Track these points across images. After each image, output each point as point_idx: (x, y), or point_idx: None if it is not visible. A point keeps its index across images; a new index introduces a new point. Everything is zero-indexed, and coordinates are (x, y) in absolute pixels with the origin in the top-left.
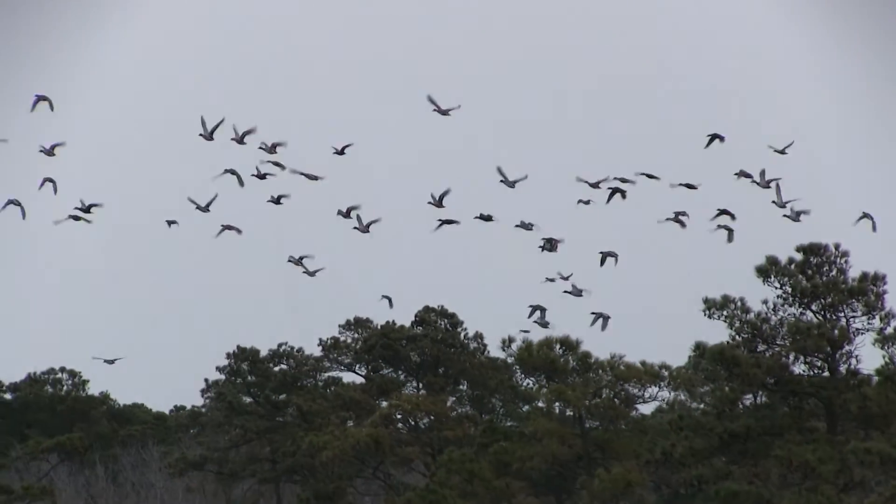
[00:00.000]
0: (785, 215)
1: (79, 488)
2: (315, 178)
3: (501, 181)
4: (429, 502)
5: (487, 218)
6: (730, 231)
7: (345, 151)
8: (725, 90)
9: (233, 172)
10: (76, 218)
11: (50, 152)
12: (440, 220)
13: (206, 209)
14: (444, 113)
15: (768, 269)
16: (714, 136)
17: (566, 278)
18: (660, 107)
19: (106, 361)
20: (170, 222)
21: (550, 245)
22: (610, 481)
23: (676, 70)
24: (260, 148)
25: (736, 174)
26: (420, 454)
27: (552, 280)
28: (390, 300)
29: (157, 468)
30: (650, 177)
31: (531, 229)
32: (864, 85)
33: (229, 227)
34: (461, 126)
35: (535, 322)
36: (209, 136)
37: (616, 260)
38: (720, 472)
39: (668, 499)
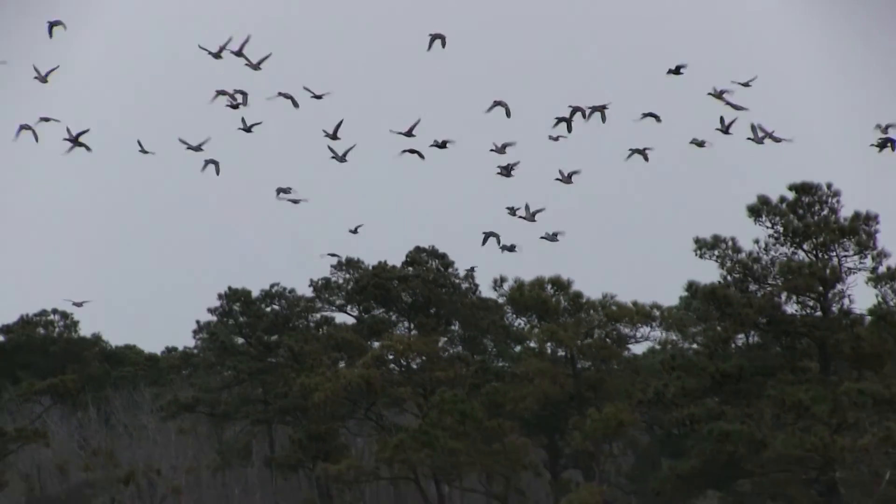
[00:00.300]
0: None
1: (71, 430)
2: (320, 96)
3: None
4: (421, 443)
5: (441, 145)
6: (655, 117)
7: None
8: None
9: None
10: (73, 142)
11: (44, 79)
12: (405, 149)
13: (197, 149)
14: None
15: (760, 209)
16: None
17: (530, 213)
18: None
19: (74, 304)
20: (143, 150)
21: (506, 170)
22: (602, 421)
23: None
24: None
25: (710, 93)
26: (412, 395)
27: (512, 212)
28: (356, 229)
29: (149, 410)
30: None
31: (504, 152)
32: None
33: (211, 162)
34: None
35: (502, 248)
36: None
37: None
38: (712, 412)
39: (661, 439)
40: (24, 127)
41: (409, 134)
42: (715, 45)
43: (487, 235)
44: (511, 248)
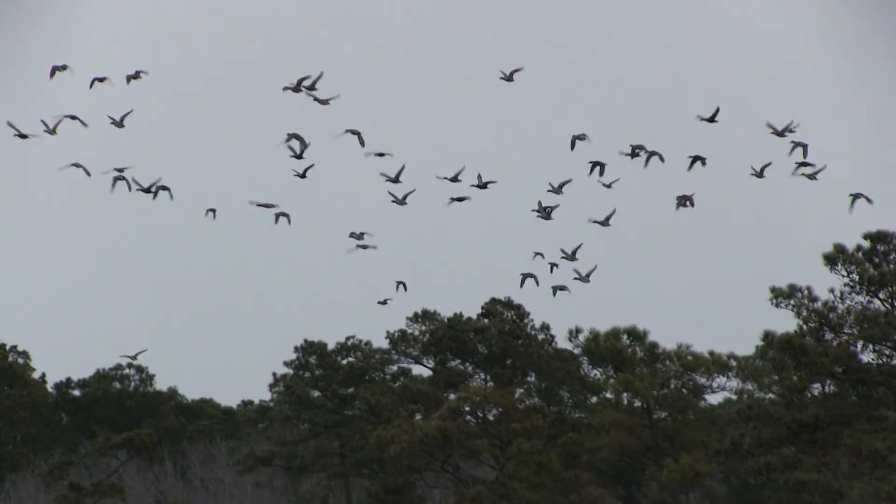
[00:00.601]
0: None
1: (148, 484)
2: (326, 101)
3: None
4: (498, 495)
5: (483, 186)
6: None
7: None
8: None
9: (296, 137)
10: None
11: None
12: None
13: (268, 206)
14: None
15: (835, 258)
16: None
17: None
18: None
19: (129, 357)
20: (210, 210)
21: (545, 213)
22: (679, 471)
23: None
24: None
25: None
26: (489, 446)
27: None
28: (404, 285)
29: (226, 463)
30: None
31: (549, 217)
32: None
33: (282, 214)
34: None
35: (553, 290)
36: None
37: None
38: (789, 462)
39: (737, 489)
40: (69, 116)
41: (454, 180)
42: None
43: (525, 277)
44: (562, 288)
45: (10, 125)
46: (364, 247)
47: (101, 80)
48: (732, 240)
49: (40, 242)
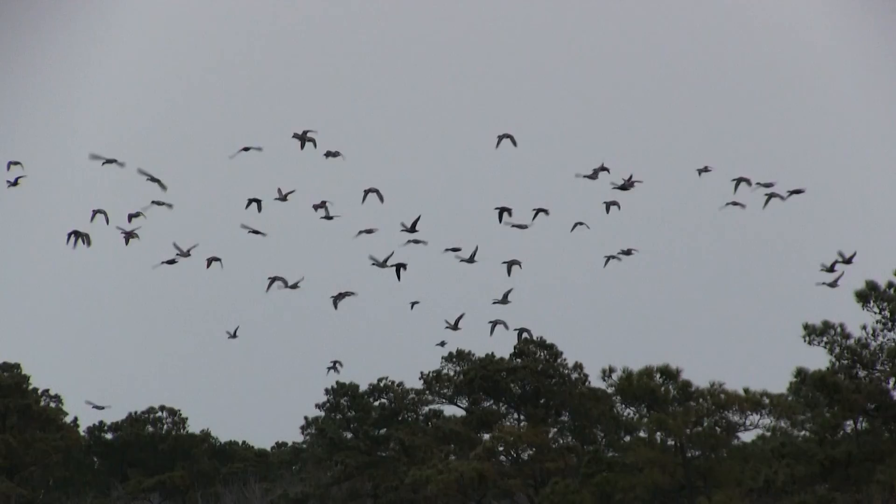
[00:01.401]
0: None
1: None
2: (335, 153)
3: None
4: None
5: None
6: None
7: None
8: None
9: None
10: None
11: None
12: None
13: (294, 286)
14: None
15: (868, 294)
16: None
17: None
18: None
19: (95, 407)
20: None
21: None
22: None
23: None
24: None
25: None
26: (522, 486)
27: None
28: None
29: None
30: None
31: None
32: None
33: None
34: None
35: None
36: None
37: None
38: (823, 499)
39: None
40: (97, 212)
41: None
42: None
43: (494, 324)
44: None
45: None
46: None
47: (100, 212)
48: (766, 277)
49: (72, 288)
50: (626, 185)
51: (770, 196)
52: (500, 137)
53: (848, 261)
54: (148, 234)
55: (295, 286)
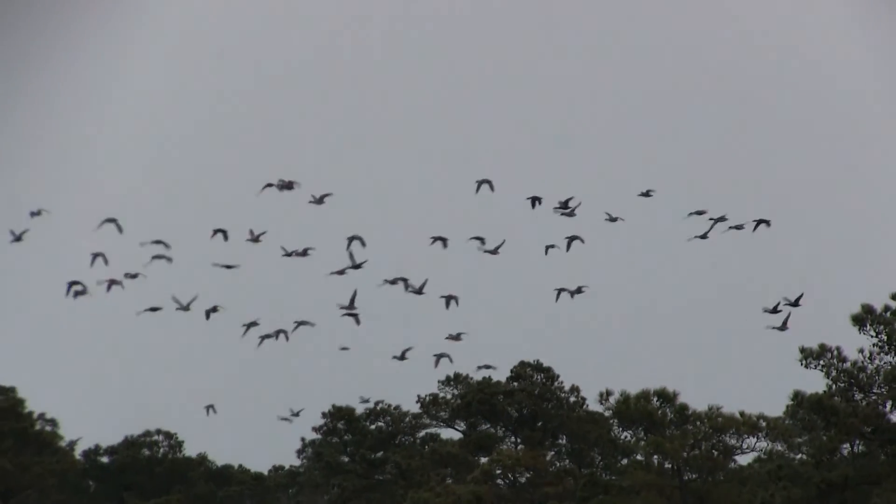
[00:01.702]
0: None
1: None
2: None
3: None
4: None
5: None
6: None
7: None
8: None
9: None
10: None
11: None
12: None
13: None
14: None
15: (864, 318)
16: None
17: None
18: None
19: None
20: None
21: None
22: None
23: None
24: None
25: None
26: None
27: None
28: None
29: None
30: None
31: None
32: None
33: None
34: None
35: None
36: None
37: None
38: None
39: None
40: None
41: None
42: None
43: (438, 357)
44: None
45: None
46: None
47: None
48: (762, 299)
49: (68, 311)
50: (566, 208)
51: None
52: (479, 183)
53: (794, 303)
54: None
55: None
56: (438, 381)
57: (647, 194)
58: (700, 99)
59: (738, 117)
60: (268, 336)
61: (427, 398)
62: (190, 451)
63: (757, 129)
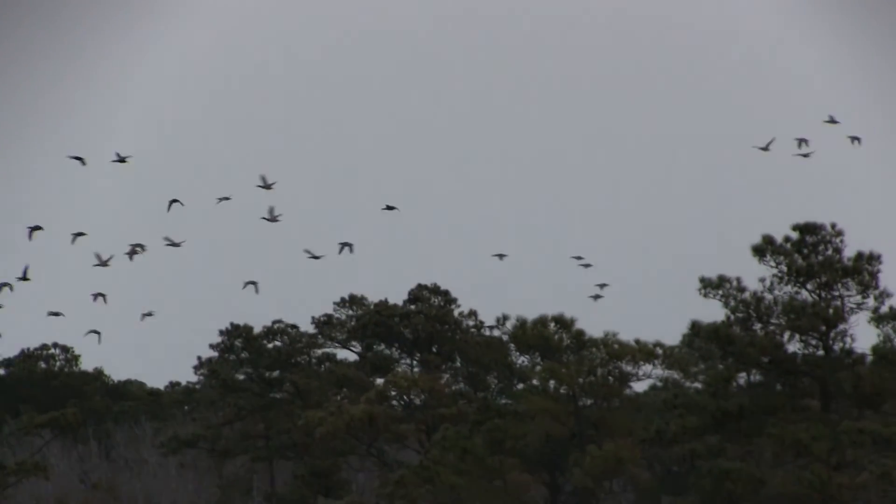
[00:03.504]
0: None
1: (72, 464)
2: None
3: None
4: (423, 479)
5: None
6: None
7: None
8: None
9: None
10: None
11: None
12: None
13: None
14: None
15: (764, 248)
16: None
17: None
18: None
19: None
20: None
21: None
22: (602, 458)
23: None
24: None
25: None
26: (414, 431)
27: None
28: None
29: (151, 445)
30: None
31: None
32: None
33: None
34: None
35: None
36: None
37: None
38: (713, 450)
39: (661, 476)
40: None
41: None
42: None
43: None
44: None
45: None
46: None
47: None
48: (661, 229)
49: None
50: None
51: None
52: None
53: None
54: None
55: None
56: (334, 303)
57: None
58: None
59: None
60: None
61: (322, 319)
62: (87, 365)
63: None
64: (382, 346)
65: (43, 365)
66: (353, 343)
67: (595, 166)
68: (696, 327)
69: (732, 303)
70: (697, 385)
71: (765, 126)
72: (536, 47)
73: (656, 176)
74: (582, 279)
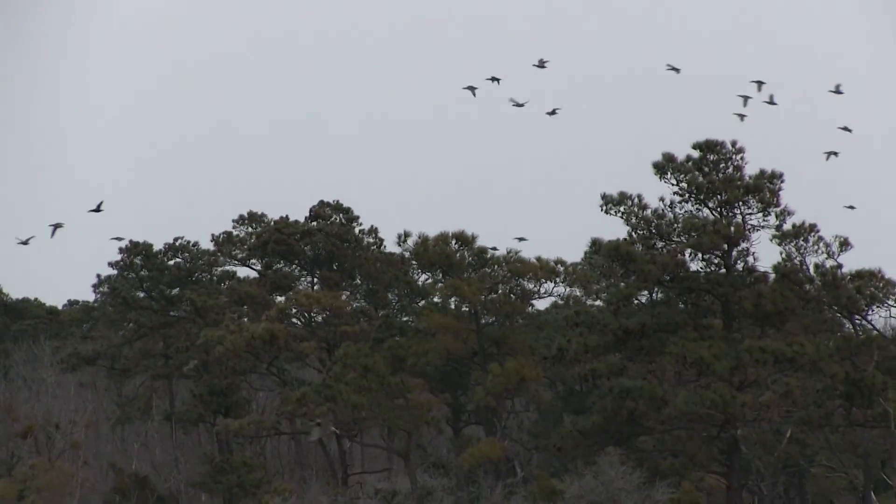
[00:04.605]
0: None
1: None
2: None
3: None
4: (324, 397)
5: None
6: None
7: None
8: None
9: None
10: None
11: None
12: None
13: None
14: None
15: (665, 166)
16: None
17: None
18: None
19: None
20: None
21: None
22: (504, 376)
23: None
24: None
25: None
26: (315, 349)
27: None
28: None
29: (49, 363)
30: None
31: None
32: None
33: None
34: None
35: None
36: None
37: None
38: (615, 369)
39: (563, 395)
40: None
41: None
42: None
43: None
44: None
45: None
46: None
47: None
48: (565, 143)
49: None
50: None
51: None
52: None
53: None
54: None
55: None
56: (232, 220)
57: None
58: None
59: None
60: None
61: (221, 236)
62: None
63: None
64: (283, 264)
65: None
66: (254, 261)
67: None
68: (596, 244)
69: (634, 220)
70: (599, 303)
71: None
72: None
73: (568, 88)
74: (483, 191)
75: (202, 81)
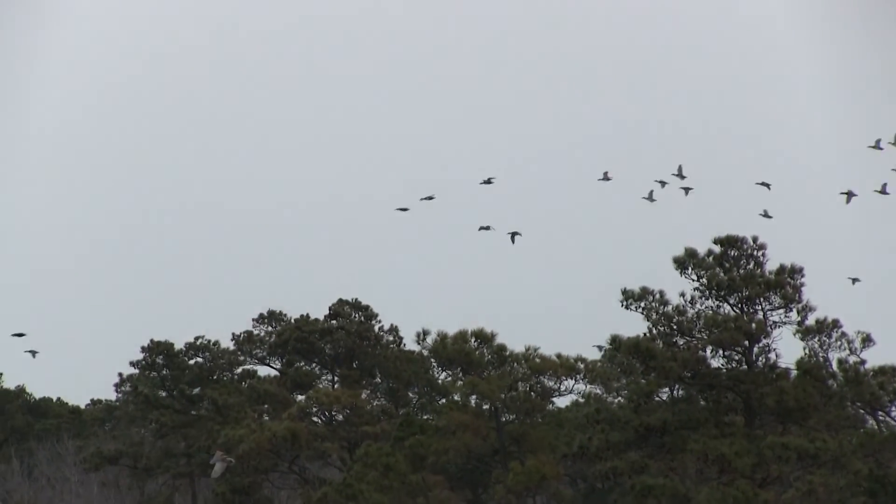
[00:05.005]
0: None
1: None
2: None
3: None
4: (345, 496)
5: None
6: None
7: None
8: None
9: None
10: None
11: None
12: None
13: None
14: None
15: (686, 261)
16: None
17: None
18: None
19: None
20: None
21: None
22: (524, 474)
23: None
24: None
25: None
26: (336, 448)
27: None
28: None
29: (73, 462)
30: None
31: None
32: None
33: None
34: None
35: None
36: None
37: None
38: (636, 466)
39: (584, 492)
40: None
41: None
42: None
43: None
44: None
45: None
46: None
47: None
48: (583, 241)
49: None
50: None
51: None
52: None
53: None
54: None
55: None
56: (252, 319)
57: None
58: None
59: None
60: None
61: (242, 335)
62: (8, 383)
63: None
64: (303, 363)
65: None
66: (274, 359)
67: (514, 170)
68: (616, 341)
69: (654, 316)
70: (620, 400)
71: None
72: None
73: (576, 187)
74: (503, 289)
75: (218, 188)
